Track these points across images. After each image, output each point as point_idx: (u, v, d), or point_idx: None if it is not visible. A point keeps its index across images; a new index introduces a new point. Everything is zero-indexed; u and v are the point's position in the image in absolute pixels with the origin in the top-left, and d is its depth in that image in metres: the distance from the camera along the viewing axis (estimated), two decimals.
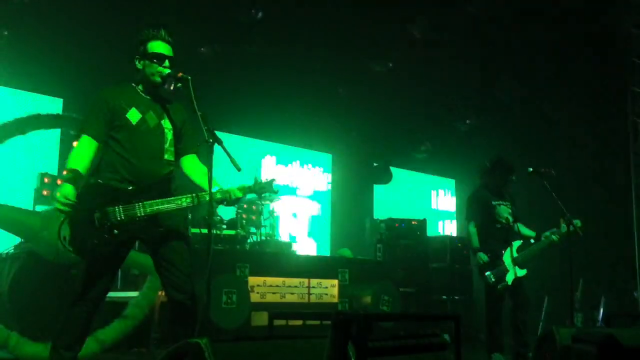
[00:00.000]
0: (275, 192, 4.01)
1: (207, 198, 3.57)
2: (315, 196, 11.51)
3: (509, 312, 6.21)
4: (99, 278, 3.61)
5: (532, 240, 6.27)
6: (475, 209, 6.35)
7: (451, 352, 3.10)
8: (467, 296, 9.42)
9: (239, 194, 3.77)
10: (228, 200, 3.75)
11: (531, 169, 6.25)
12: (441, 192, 13.84)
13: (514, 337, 6.07)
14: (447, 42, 10.09)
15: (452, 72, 10.75)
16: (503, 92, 11.21)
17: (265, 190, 3.91)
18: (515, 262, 6.03)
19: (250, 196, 8.53)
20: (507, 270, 6.02)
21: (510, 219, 6.23)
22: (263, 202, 8.63)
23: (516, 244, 6.13)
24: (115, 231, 3.50)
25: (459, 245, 9.73)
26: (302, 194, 11.24)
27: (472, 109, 11.99)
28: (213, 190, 3.59)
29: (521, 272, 6.06)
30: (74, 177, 3.50)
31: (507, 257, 6.06)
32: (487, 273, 6.05)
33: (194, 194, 3.68)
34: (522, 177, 6.39)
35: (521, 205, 6.54)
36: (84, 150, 3.61)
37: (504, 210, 6.26)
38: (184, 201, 3.64)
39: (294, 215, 9.90)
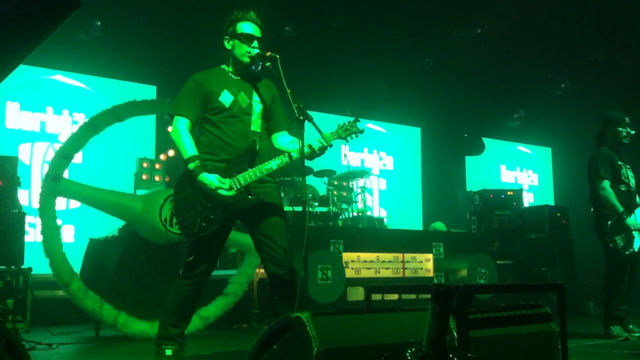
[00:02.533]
0: (362, 131, 3.90)
1: (295, 156, 3.60)
2: (382, 174, 11.43)
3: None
4: (204, 258, 3.72)
5: None
6: (604, 166, 5.77)
7: (555, 324, 3.00)
8: (568, 267, 9.11)
9: (324, 142, 3.70)
10: (315, 151, 3.68)
11: (633, 132, 5.92)
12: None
13: None
14: (536, 2, 9.71)
15: (544, 35, 10.33)
16: (599, 53, 10.67)
17: (349, 131, 3.85)
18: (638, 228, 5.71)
19: (341, 171, 8.63)
20: (633, 237, 5.71)
21: (633, 182, 5.85)
22: (354, 179, 8.65)
23: (639, 210, 5.79)
24: (219, 210, 3.60)
25: (558, 214, 9.41)
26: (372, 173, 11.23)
27: (567, 72, 11.49)
28: (294, 151, 3.63)
29: None
30: (200, 164, 3.64)
31: (631, 223, 5.71)
32: (617, 237, 5.70)
33: (281, 155, 3.72)
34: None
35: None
36: (184, 133, 3.72)
37: (629, 173, 5.86)
38: (273, 164, 3.68)
39: (369, 191, 9.87)
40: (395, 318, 2.56)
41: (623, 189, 5.77)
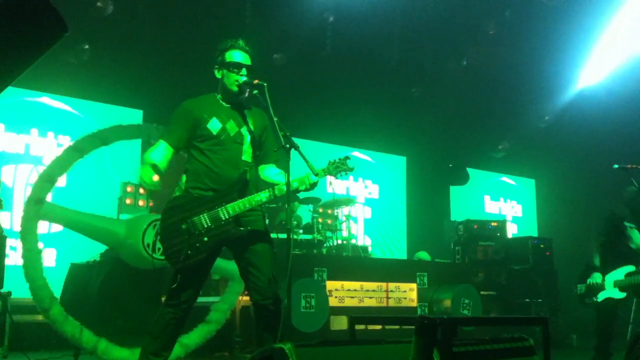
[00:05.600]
0: (352, 169, 3.93)
1: (284, 189, 3.59)
2: (367, 202, 11.44)
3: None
4: (188, 286, 3.68)
5: None
6: (608, 227, 6.12)
7: (539, 357, 2.99)
8: (551, 299, 9.12)
9: (313, 179, 3.74)
10: (306, 186, 3.74)
11: (617, 166, 6.03)
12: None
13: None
14: (521, 37, 9.86)
15: (530, 68, 10.48)
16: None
17: (340, 169, 3.87)
18: (616, 284, 5.85)
19: (326, 199, 8.63)
20: (602, 288, 5.85)
21: (637, 241, 6.02)
22: (339, 207, 8.64)
23: (627, 268, 5.91)
24: (205, 238, 3.58)
25: (541, 246, 9.45)
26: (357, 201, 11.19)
27: (552, 105, 11.64)
28: (281, 184, 3.65)
29: (618, 295, 5.86)
30: (153, 165, 3.66)
31: (611, 276, 5.89)
32: (579, 285, 5.95)
33: (270, 188, 3.72)
34: (609, 175, 6.15)
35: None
36: (158, 151, 3.76)
37: (636, 235, 6.04)
38: (263, 196, 3.68)
39: (354, 219, 9.89)
40: (379, 350, 2.55)
41: (623, 248, 5.96)
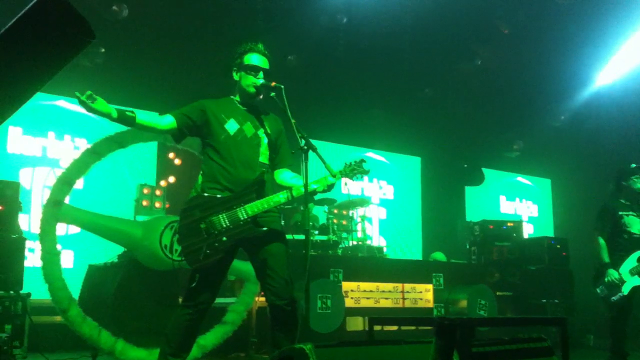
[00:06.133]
0: (367, 172, 3.97)
1: (302, 191, 3.63)
2: (382, 203, 11.42)
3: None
4: (207, 286, 3.71)
5: None
6: (604, 220, 6.12)
7: (558, 358, 2.99)
8: (567, 299, 9.08)
9: (331, 181, 3.78)
10: (324, 188, 3.78)
11: (634, 165, 6.01)
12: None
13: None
14: (537, 35, 9.82)
15: (545, 67, 10.42)
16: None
17: (356, 171, 3.92)
18: (632, 272, 5.83)
19: (341, 200, 8.65)
20: (623, 281, 5.82)
21: (637, 228, 6.00)
22: (354, 208, 8.65)
23: (636, 254, 5.89)
24: (224, 238, 3.61)
25: (558, 246, 9.40)
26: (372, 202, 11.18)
27: (567, 104, 11.57)
28: (299, 187, 3.66)
29: (639, 281, 5.85)
30: (123, 110, 3.75)
31: (625, 267, 5.86)
32: (598, 288, 5.91)
33: (288, 189, 3.76)
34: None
35: None
36: (159, 115, 3.85)
37: (634, 221, 6.01)
38: (282, 197, 3.71)
39: (369, 220, 9.89)
40: (398, 351, 2.55)
41: (625, 237, 5.98)
